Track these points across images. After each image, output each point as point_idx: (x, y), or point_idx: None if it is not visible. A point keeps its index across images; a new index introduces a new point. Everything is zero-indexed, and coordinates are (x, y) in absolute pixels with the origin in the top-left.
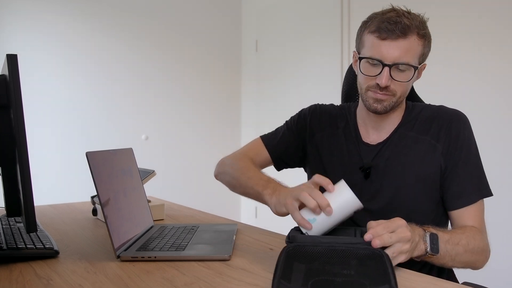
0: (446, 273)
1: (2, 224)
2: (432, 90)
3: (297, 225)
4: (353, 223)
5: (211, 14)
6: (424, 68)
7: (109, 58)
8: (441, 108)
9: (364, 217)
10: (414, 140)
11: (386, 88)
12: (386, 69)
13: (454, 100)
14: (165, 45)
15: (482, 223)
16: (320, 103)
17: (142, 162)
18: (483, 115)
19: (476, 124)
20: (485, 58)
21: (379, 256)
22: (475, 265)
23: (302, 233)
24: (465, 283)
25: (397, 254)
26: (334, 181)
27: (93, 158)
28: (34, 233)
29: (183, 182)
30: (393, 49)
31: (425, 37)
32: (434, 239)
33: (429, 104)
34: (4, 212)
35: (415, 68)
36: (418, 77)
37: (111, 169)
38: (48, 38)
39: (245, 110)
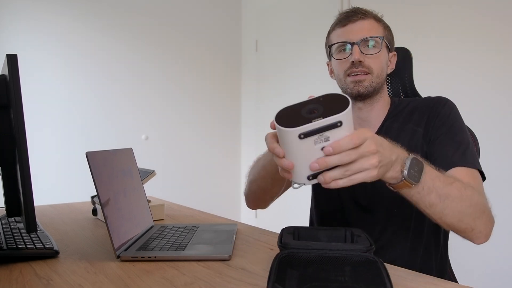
0: (448, 274)
1: (2, 224)
2: (433, 90)
3: (288, 226)
4: (345, 221)
5: (211, 14)
6: (395, 56)
7: (109, 58)
8: (426, 98)
9: (356, 212)
10: (399, 130)
11: (360, 64)
12: (355, 46)
13: (455, 100)
14: (165, 45)
15: (481, 187)
16: None
17: (142, 162)
18: (484, 115)
19: (477, 124)
20: (486, 57)
21: (373, 262)
22: (475, 229)
23: (294, 238)
24: None
25: (360, 170)
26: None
27: (93, 158)
28: (34, 233)
29: (183, 182)
30: (357, 29)
31: (382, 22)
32: (415, 165)
33: (416, 98)
34: (4, 212)
35: (381, 38)
36: (390, 66)
37: (111, 169)
38: (48, 38)
39: (245, 110)
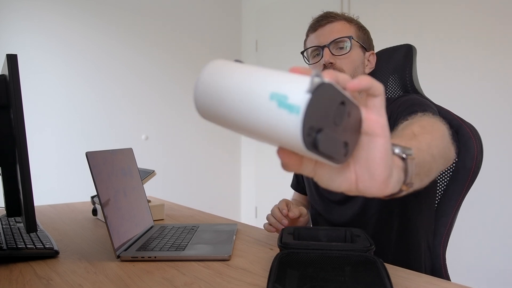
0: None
1: (2, 224)
2: (436, 91)
3: (288, 226)
4: (326, 222)
5: (211, 14)
6: (373, 55)
7: (109, 58)
8: (399, 96)
9: (351, 217)
10: None
11: (332, 65)
12: (326, 49)
13: (457, 100)
14: (165, 45)
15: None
16: None
17: (142, 162)
18: (485, 114)
19: (478, 124)
20: (487, 56)
21: (373, 262)
22: (450, 153)
23: (294, 238)
24: None
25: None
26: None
27: (93, 158)
28: (34, 233)
29: (183, 182)
30: (326, 32)
31: (354, 22)
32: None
33: (402, 96)
34: (4, 212)
35: (350, 38)
36: (369, 65)
37: (111, 169)
38: (48, 38)
39: None
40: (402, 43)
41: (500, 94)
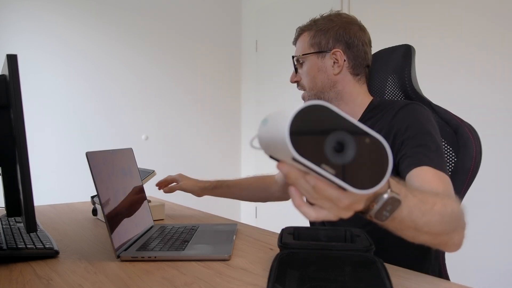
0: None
1: (2, 224)
2: (435, 90)
3: (288, 226)
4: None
5: (211, 14)
6: (339, 52)
7: (109, 58)
8: (396, 102)
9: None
10: None
11: (298, 84)
12: (293, 70)
13: (456, 100)
14: (165, 45)
15: (452, 191)
16: None
17: (142, 162)
18: (484, 114)
19: (476, 124)
20: (488, 56)
21: (373, 262)
22: (449, 242)
23: (294, 238)
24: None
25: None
26: None
27: (93, 158)
28: (34, 233)
29: None
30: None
31: (313, 30)
32: (390, 206)
33: (397, 100)
34: (4, 212)
35: (293, 57)
36: (336, 65)
37: (111, 169)
38: (48, 38)
39: (245, 110)
40: (401, 43)
41: (499, 94)
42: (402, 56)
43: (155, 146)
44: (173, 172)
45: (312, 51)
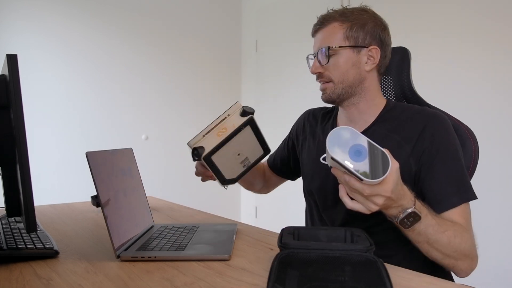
0: (443, 274)
1: (2, 224)
2: (434, 90)
3: (288, 226)
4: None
5: (211, 14)
6: (375, 49)
7: (109, 58)
8: (421, 111)
9: (350, 214)
10: (383, 136)
11: (320, 75)
12: (315, 59)
13: (454, 100)
14: (165, 45)
15: (469, 226)
16: (314, 107)
17: (142, 162)
18: (484, 114)
19: (477, 124)
20: (485, 56)
21: (373, 262)
22: (456, 266)
23: (294, 238)
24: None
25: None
26: (312, 180)
27: (93, 158)
28: (34, 233)
29: (183, 182)
30: (316, 40)
31: (347, 21)
32: (411, 216)
33: (413, 105)
34: (4, 212)
35: (327, 48)
36: (369, 61)
37: (111, 169)
38: (48, 38)
39: None
40: (401, 43)
41: (498, 95)
42: (400, 59)
43: (155, 146)
44: (173, 172)
45: (348, 44)
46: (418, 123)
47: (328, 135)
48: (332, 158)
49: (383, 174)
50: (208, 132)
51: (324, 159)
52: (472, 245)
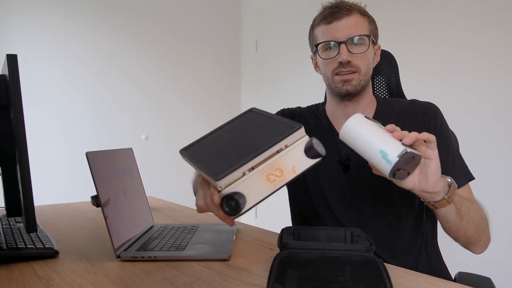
0: (438, 269)
1: (2, 224)
2: (432, 90)
3: (288, 226)
4: (338, 222)
5: (211, 14)
6: (379, 49)
7: (109, 58)
8: (413, 102)
9: (349, 211)
10: None
11: (349, 64)
12: (343, 45)
13: (442, 101)
14: (165, 45)
15: (475, 199)
16: (287, 107)
17: (142, 162)
18: (483, 114)
19: (476, 124)
20: (475, 59)
21: (373, 262)
22: (481, 240)
23: (294, 238)
24: (460, 273)
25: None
26: (314, 180)
27: (93, 158)
28: (34, 233)
29: (183, 182)
30: (342, 27)
31: (367, 15)
32: (453, 190)
33: (400, 99)
34: (4, 212)
35: (368, 36)
36: (376, 59)
37: (111, 169)
38: (48, 38)
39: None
40: (389, 46)
41: (487, 96)
42: (387, 63)
43: (155, 146)
44: (173, 172)
45: (373, 39)
46: (418, 114)
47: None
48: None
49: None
50: (252, 168)
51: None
52: (486, 216)
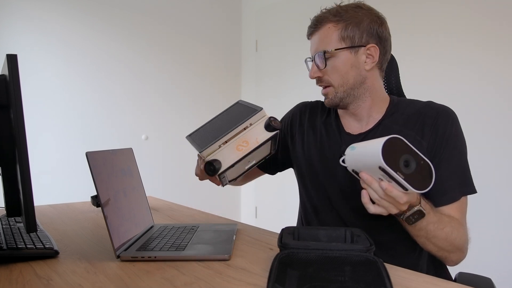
0: (439, 269)
1: (2, 224)
2: (430, 88)
3: (288, 226)
4: (342, 221)
5: (211, 14)
6: (374, 48)
7: (109, 58)
8: (429, 104)
9: (351, 211)
10: (397, 132)
11: (320, 80)
12: (311, 63)
13: (453, 98)
14: (165, 45)
15: (464, 220)
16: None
17: (142, 162)
18: (482, 114)
19: (475, 124)
20: (485, 56)
21: (373, 262)
22: (448, 258)
23: (294, 238)
24: (460, 273)
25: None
26: (316, 174)
27: (93, 158)
28: (34, 233)
29: (183, 182)
30: (313, 43)
31: (342, 21)
32: (417, 214)
33: (417, 100)
34: (4, 212)
35: (324, 53)
36: (372, 60)
37: (111, 169)
38: (48, 38)
39: None
40: (396, 42)
41: (495, 93)
42: (388, 63)
43: (155, 146)
44: (173, 172)
45: (344, 45)
46: (430, 118)
47: (378, 146)
48: (381, 168)
49: (430, 184)
50: (226, 142)
51: (343, 161)
52: (466, 239)
